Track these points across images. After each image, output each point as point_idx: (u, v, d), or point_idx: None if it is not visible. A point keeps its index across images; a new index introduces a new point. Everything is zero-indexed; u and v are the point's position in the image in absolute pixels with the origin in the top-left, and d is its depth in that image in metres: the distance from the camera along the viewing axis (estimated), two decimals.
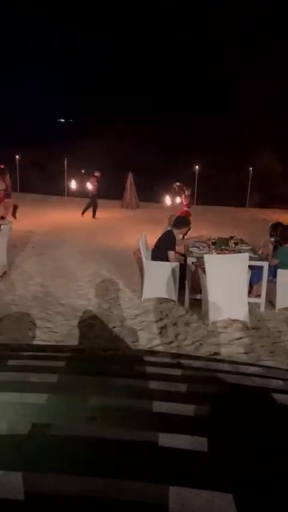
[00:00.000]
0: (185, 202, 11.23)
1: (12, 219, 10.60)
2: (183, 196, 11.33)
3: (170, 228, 6.05)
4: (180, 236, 6.28)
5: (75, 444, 1.11)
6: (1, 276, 6.58)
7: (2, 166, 12.20)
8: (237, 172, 19.58)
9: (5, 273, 6.79)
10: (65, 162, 20.94)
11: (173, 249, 5.80)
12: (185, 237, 6.86)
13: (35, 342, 4.35)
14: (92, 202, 13.95)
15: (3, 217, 10.71)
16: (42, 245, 9.41)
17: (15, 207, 11.41)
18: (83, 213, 13.90)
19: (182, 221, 6.11)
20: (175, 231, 5.95)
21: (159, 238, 6.01)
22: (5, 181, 11.01)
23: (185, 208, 11.10)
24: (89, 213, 13.85)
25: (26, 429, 1.15)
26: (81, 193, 18.45)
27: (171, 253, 5.74)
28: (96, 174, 13.90)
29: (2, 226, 6.67)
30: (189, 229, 6.24)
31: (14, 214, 11.38)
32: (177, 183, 11.86)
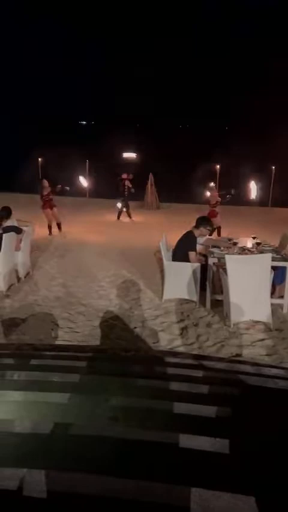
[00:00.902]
0: (212, 202, 10.99)
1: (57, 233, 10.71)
2: (214, 194, 11.09)
3: (190, 229, 6.02)
4: (206, 236, 6.23)
5: (97, 444, 1.12)
6: (24, 277, 6.69)
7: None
8: (259, 171, 19.32)
9: (28, 273, 6.91)
10: (87, 163, 21.14)
11: (194, 249, 5.77)
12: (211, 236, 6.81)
13: (57, 342, 4.40)
14: (125, 205, 14.11)
15: (58, 226, 10.85)
16: (63, 247, 9.52)
17: (58, 225, 11.15)
18: (130, 217, 14.06)
19: (202, 221, 6.05)
20: (196, 232, 5.91)
21: (180, 239, 5.98)
22: (43, 188, 10.87)
23: (212, 208, 10.94)
24: (137, 216, 14.12)
25: (49, 428, 1.17)
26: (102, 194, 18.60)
27: (192, 254, 5.71)
28: (124, 175, 13.97)
29: (25, 228, 6.78)
30: (213, 230, 6.16)
31: (59, 228, 11.17)
32: (212, 184, 11.80)
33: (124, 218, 14.07)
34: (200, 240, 6.09)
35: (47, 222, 10.95)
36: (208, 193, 11.50)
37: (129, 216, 14.09)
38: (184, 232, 6.11)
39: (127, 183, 13.78)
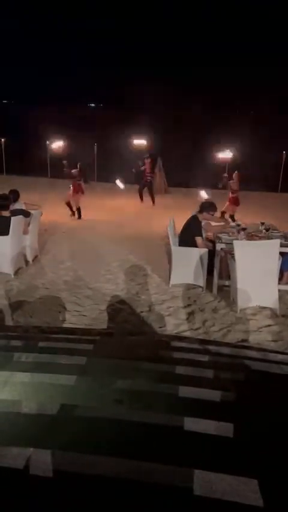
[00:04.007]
0: (235, 188, 10.61)
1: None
2: (232, 181, 10.70)
3: (194, 213, 5.96)
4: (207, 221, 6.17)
5: (102, 426, 1.14)
6: (32, 260, 6.73)
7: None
8: (269, 156, 19.02)
9: (36, 257, 6.94)
10: (95, 147, 20.99)
11: (200, 235, 5.74)
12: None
13: (64, 325, 4.45)
14: (143, 187, 13.94)
15: (75, 210, 10.84)
16: (71, 230, 9.54)
17: (78, 209, 11.07)
18: (141, 199, 13.99)
19: (207, 206, 5.97)
20: (200, 216, 5.86)
21: (185, 224, 5.94)
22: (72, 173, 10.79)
23: (232, 195, 10.59)
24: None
25: (55, 409, 1.19)
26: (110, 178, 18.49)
27: (198, 239, 5.68)
28: (147, 160, 13.76)
29: (32, 212, 6.79)
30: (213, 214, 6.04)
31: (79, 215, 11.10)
32: (225, 175, 11.51)
33: (125, 202, 14.08)
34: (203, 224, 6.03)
35: (76, 205, 10.97)
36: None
37: (153, 200, 14.00)
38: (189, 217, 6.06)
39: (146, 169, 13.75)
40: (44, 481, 0.90)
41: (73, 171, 10.86)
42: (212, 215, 6.03)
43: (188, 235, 5.75)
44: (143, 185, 14.08)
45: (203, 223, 6.03)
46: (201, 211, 5.89)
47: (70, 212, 11.03)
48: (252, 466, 1.00)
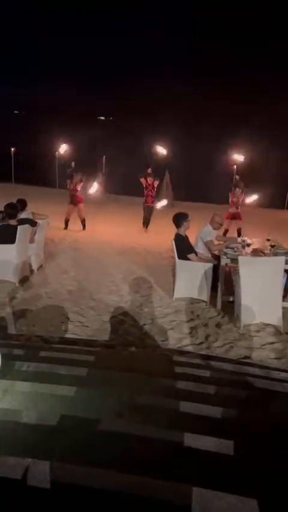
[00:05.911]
0: (233, 200, 10.33)
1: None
2: (237, 192, 10.29)
3: (176, 232, 5.93)
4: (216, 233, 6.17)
5: (101, 438, 1.13)
6: (37, 269, 6.75)
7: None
8: (276, 170, 19.04)
9: (41, 266, 6.97)
10: (103, 159, 21.16)
11: (191, 251, 5.74)
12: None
13: (67, 335, 4.43)
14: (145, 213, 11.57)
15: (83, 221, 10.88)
16: (77, 241, 9.57)
17: (83, 220, 10.98)
18: (146, 228, 11.52)
19: (179, 219, 5.94)
20: (181, 231, 5.87)
21: (174, 245, 5.86)
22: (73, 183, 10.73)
23: (232, 210, 10.34)
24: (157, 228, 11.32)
25: (55, 420, 1.18)
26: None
27: (192, 256, 5.69)
28: (150, 179, 11.26)
29: (39, 221, 6.83)
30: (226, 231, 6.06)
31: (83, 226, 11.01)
32: (237, 177, 11.35)
33: (132, 212, 13.46)
34: (207, 236, 6.04)
35: (80, 217, 10.91)
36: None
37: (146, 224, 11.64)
38: (199, 230, 6.05)
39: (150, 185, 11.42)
40: (42, 492, 0.89)
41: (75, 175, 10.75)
42: (189, 220, 5.94)
43: (182, 256, 5.73)
44: (146, 211, 11.53)
45: (206, 240, 6.05)
46: (178, 226, 5.89)
47: (64, 226, 10.80)
48: (252, 485, 0.98)
